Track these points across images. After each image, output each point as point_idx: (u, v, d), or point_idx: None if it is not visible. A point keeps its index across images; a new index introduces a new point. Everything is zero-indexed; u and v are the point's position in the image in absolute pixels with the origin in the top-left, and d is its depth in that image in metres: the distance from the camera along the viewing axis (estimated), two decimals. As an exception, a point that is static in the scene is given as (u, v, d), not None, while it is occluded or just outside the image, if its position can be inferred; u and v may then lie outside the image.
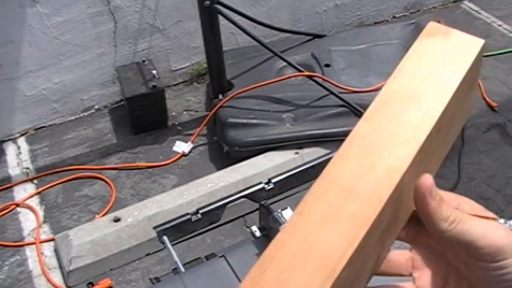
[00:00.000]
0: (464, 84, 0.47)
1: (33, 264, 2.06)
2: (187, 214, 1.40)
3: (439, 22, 3.12)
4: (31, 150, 2.54)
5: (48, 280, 1.99)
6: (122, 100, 2.75)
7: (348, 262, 0.39)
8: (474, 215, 0.42)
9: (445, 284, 0.44)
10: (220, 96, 2.46)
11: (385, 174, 0.41)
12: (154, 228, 1.38)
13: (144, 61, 2.63)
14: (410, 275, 0.45)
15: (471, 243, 0.40)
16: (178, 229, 1.39)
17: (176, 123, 2.67)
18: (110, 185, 2.34)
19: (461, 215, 0.42)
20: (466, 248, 0.41)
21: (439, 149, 0.49)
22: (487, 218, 0.43)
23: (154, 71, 2.57)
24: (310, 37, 2.85)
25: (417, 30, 2.83)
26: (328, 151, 1.59)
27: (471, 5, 3.44)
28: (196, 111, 2.73)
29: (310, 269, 0.39)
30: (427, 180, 0.41)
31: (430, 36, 0.49)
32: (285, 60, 2.43)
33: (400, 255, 0.45)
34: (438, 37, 0.49)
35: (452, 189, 2.26)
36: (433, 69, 0.47)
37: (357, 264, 0.40)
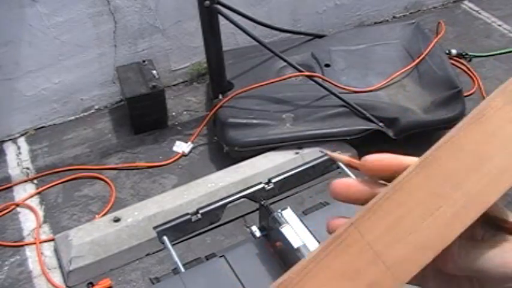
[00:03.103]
0: None
1: (33, 264, 2.06)
2: (187, 214, 1.40)
3: (439, 23, 3.12)
4: (31, 150, 2.54)
5: (48, 280, 1.99)
6: (121, 100, 2.75)
7: None
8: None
9: None
10: (220, 96, 2.46)
11: (418, 249, 0.37)
12: (154, 228, 1.38)
13: (144, 61, 2.63)
14: None
15: (483, 273, 0.37)
16: (178, 229, 1.39)
17: (176, 123, 2.67)
18: (110, 185, 2.34)
19: (473, 244, 0.38)
20: (479, 277, 0.38)
21: None
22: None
23: (154, 71, 2.57)
24: (310, 37, 2.85)
25: (417, 30, 2.83)
26: (328, 151, 1.59)
27: (471, 5, 3.44)
28: (196, 111, 2.73)
29: None
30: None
31: None
32: (285, 60, 2.43)
33: None
34: None
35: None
36: None
37: None
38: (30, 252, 2.10)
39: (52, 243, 2.12)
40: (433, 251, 0.37)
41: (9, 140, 2.59)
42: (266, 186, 1.48)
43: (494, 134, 0.38)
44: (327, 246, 0.37)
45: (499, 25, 3.25)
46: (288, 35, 2.90)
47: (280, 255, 1.36)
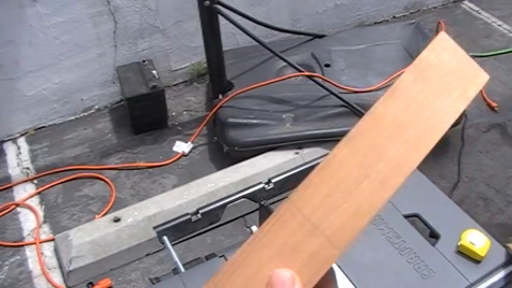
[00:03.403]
0: None
1: (33, 264, 2.06)
2: (187, 214, 1.40)
3: (439, 23, 3.11)
4: (31, 150, 2.54)
5: (48, 280, 1.99)
6: (121, 100, 2.75)
7: None
8: None
9: None
10: (220, 96, 2.46)
11: (353, 216, 0.39)
12: (154, 228, 1.38)
13: (144, 61, 2.63)
14: None
15: None
16: (178, 229, 1.39)
17: (176, 123, 2.67)
18: (110, 185, 2.34)
19: None
20: None
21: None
22: None
23: (154, 71, 2.57)
24: (310, 37, 2.85)
25: (417, 30, 2.83)
26: (328, 151, 1.59)
27: (471, 5, 3.44)
28: (196, 111, 2.73)
29: None
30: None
31: (436, 53, 0.43)
32: (285, 60, 2.43)
33: None
34: (445, 55, 0.43)
35: (452, 189, 2.26)
36: (431, 97, 0.42)
37: None
38: (30, 252, 2.10)
39: (52, 243, 2.12)
40: (366, 217, 0.39)
41: (9, 140, 2.59)
42: (266, 186, 1.48)
43: (408, 105, 0.41)
44: (265, 225, 0.39)
45: (499, 25, 3.25)
46: (288, 35, 2.90)
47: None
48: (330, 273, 0.41)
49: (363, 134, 0.41)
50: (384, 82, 2.52)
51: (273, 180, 1.49)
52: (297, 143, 2.32)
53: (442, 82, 0.43)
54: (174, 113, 2.72)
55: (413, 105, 0.42)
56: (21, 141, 2.59)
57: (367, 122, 0.41)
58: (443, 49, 0.44)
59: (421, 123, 0.41)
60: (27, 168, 2.44)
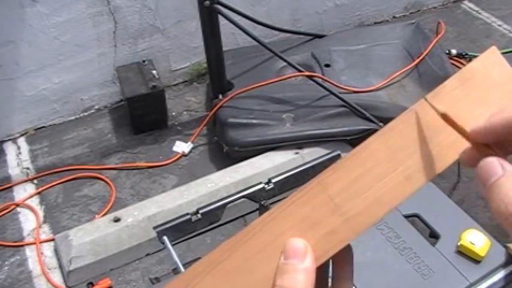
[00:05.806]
0: None
1: (33, 264, 2.06)
2: (187, 214, 1.40)
3: (439, 23, 3.12)
4: (31, 150, 2.54)
5: (48, 280, 1.99)
6: (121, 100, 2.75)
7: None
8: None
9: None
10: (220, 96, 2.46)
11: (373, 204, 0.40)
12: (154, 228, 1.38)
13: (144, 61, 2.63)
14: None
15: None
16: (178, 229, 1.39)
17: (176, 123, 2.67)
18: (110, 185, 2.34)
19: None
20: None
21: None
22: None
23: (154, 71, 2.57)
24: (310, 37, 2.85)
25: (417, 30, 2.83)
26: (328, 151, 1.59)
27: (471, 5, 3.44)
28: (196, 111, 2.73)
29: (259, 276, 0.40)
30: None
31: (484, 65, 0.45)
32: (285, 60, 2.43)
33: None
34: (493, 69, 0.45)
35: (452, 189, 2.26)
36: (470, 107, 0.43)
37: None
38: (30, 252, 2.10)
39: (52, 243, 2.12)
40: (386, 208, 0.41)
41: (9, 140, 2.59)
42: (266, 186, 1.48)
43: (446, 111, 0.42)
44: (293, 197, 0.41)
45: (499, 25, 3.25)
46: (288, 35, 2.90)
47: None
48: (348, 255, 0.43)
49: (397, 131, 0.42)
50: (384, 82, 2.52)
51: (273, 180, 1.49)
52: (297, 143, 2.32)
53: (484, 94, 0.43)
54: (174, 113, 2.72)
55: (451, 111, 0.42)
56: (21, 141, 2.59)
57: (403, 121, 0.42)
58: (492, 62, 0.44)
59: (454, 131, 0.42)
60: (27, 168, 2.44)
